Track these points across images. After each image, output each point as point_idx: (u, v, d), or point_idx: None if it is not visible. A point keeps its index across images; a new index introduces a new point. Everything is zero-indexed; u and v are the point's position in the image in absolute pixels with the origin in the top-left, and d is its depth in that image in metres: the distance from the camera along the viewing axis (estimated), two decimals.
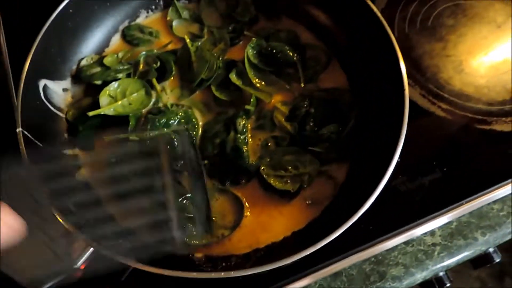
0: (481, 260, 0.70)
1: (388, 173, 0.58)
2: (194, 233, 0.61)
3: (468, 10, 0.83)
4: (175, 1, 0.77)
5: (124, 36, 0.77)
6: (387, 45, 0.65)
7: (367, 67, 0.70)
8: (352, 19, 0.71)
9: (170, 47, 0.76)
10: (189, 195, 0.63)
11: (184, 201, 0.62)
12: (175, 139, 0.64)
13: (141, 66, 0.72)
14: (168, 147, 0.63)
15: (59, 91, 0.70)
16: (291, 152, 0.66)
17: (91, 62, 0.74)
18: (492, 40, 0.80)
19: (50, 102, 0.68)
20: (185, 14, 0.78)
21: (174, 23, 0.77)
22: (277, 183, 0.64)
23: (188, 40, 0.72)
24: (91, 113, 0.66)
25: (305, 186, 0.64)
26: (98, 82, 0.71)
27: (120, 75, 0.71)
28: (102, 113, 0.67)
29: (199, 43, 0.74)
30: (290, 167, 0.65)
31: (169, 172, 0.59)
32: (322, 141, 0.66)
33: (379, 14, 0.66)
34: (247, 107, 0.68)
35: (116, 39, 0.77)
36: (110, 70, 0.72)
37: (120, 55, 0.74)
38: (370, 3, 0.67)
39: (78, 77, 0.72)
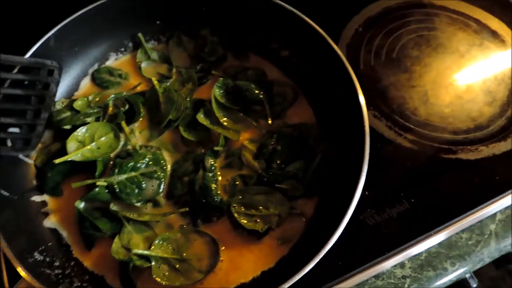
0: (458, 287, 0.70)
1: (352, 208, 0.59)
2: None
3: (431, 40, 0.85)
4: (144, 43, 0.79)
5: (93, 79, 0.78)
6: (347, 82, 0.67)
7: (331, 102, 0.71)
8: (314, 56, 0.73)
9: (139, 88, 0.77)
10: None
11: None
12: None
13: (110, 109, 0.73)
14: None
15: None
16: (262, 192, 0.67)
17: (62, 106, 0.74)
18: (455, 70, 0.82)
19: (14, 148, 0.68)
20: (154, 55, 0.79)
21: (142, 65, 0.78)
22: (246, 222, 0.65)
23: (155, 82, 0.73)
24: (57, 161, 0.67)
25: (273, 227, 0.64)
26: (68, 127, 0.72)
27: (89, 119, 0.72)
28: (70, 159, 0.68)
29: (167, 84, 0.75)
30: (261, 207, 0.65)
31: None
32: (288, 178, 0.67)
33: (338, 51, 0.68)
34: (215, 148, 0.69)
35: (86, 82, 0.78)
36: (80, 114, 0.73)
37: (90, 98, 0.75)
38: (329, 40, 0.69)
39: (48, 122, 0.73)
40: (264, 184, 0.68)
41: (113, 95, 0.74)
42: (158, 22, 0.80)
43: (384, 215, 0.68)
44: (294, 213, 0.66)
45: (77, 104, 0.74)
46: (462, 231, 0.68)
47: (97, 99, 0.75)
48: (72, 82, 0.77)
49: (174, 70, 0.78)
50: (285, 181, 0.67)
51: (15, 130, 0.68)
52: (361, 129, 0.64)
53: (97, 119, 0.72)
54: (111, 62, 0.79)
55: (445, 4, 0.89)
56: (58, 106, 0.74)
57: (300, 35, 0.73)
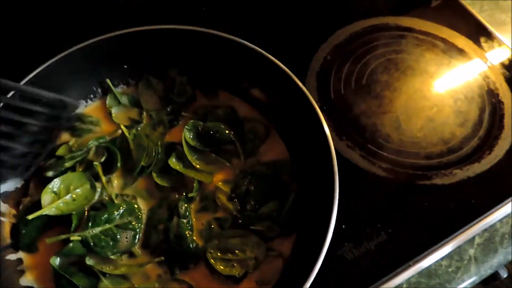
0: None
1: (327, 244, 0.59)
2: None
3: (400, 63, 0.85)
4: (113, 89, 0.78)
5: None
6: (313, 117, 0.67)
7: (301, 138, 0.71)
8: (281, 92, 0.73)
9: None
10: None
11: None
12: None
13: (91, 156, 0.73)
14: None
15: None
16: (237, 235, 0.66)
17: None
18: (425, 92, 0.82)
19: None
20: (123, 99, 0.79)
21: (113, 111, 0.78)
22: (222, 268, 0.64)
23: (124, 129, 0.73)
24: (30, 216, 0.66)
25: (250, 271, 0.64)
26: (50, 174, 0.71)
27: (70, 163, 0.71)
28: (44, 213, 0.67)
29: (138, 129, 0.75)
30: (237, 251, 0.65)
31: None
32: (263, 219, 0.67)
33: (301, 85, 0.69)
34: (190, 195, 0.69)
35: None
36: (64, 159, 0.72)
37: (70, 143, 0.75)
38: (292, 75, 0.69)
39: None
40: (240, 226, 0.67)
41: (94, 141, 0.73)
42: (125, 67, 0.79)
43: (362, 249, 0.68)
44: (271, 255, 0.65)
45: (60, 152, 0.73)
46: (442, 258, 0.69)
47: (77, 145, 0.74)
48: None
49: (144, 114, 0.77)
50: (260, 223, 0.66)
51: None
52: (329, 162, 0.64)
53: (81, 162, 0.72)
54: (81, 109, 0.79)
55: (411, 25, 0.90)
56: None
57: (266, 72, 0.73)
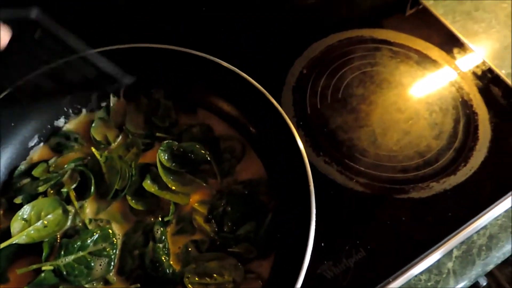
0: None
1: (306, 263, 0.58)
2: None
3: (375, 76, 0.86)
4: (112, 99, 0.78)
5: (48, 142, 0.76)
6: (287, 134, 0.66)
7: (278, 155, 0.70)
8: (256, 109, 0.72)
9: None
10: None
11: None
12: None
13: (64, 179, 0.71)
14: None
15: None
16: (215, 258, 0.65)
17: (22, 171, 0.72)
18: (401, 104, 0.83)
19: None
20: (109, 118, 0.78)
21: (94, 124, 0.77)
22: None
23: (95, 151, 0.71)
24: (1, 246, 0.64)
25: None
26: (19, 200, 0.68)
27: (43, 188, 0.69)
28: (14, 242, 0.65)
29: (109, 152, 0.73)
30: (215, 274, 0.64)
31: None
32: (240, 241, 0.66)
33: (275, 102, 0.68)
34: (166, 218, 0.67)
35: (38, 148, 0.76)
36: (39, 181, 0.70)
37: (50, 162, 0.73)
38: (266, 93, 0.69)
39: None
40: (218, 248, 0.66)
41: (71, 163, 0.72)
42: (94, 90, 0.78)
43: (342, 266, 0.67)
44: (250, 277, 0.64)
45: (37, 172, 0.71)
46: (421, 273, 0.69)
47: (54, 165, 0.73)
48: (16, 154, 0.74)
49: (121, 135, 0.76)
50: (237, 245, 0.65)
51: None
52: (305, 179, 0.64)
53: (54, 186, 0.70)
54: (65, 123, 0.78)
55: (386, 37, 0.91)
56: (17, 172, 0.72)
57: (240, 89, 0.72)
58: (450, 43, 0.90)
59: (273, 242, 0.66)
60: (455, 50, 0.89)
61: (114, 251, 0.66)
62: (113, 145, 0.76)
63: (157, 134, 0.75)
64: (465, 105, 0.82)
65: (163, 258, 0.65)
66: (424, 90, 0.85)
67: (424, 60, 0.88)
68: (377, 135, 0.79)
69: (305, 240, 0.60)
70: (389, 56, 0.88)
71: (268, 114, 0.69)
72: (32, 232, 0.66)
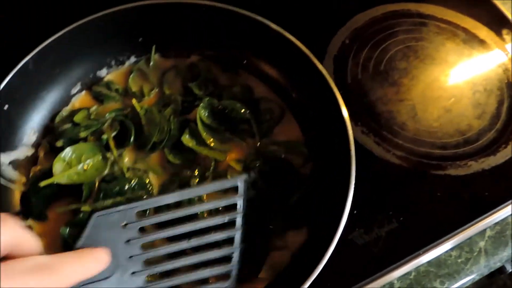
0: None
1: (341, 228, 0.58)
2: None
3: (419, 51, 0.84)
4: (153, 52, 0.78)
5: (90, 90, 0.77)
6: (331, 99, 0.65)
7: (317, 120, 0.70)
8: (299, 73, 0.72)
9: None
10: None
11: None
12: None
13: (104, 128, 0.72)
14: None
15: (8, 162, 0.69)
16: None
17: (62, 118, 0.74)
18: (444, 82, 0.81)
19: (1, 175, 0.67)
20: (149, 69, 0.78)
21: (133, 74, 0.77)
22: None
23: (135, 103, 0.72)
24: (43, 183, 0.65)
25: None
26: (60, 144, 0.70)
27: (85, 134, 0.70)
28: (55, 182, 0.66)
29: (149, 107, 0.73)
30: None
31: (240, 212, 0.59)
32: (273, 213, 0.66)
33: (321, 67, 0.67)
34: (207, 173, 0.68)
35: (80, 95, 0.77)
36: (80, 126, 0.71)
37: (91, 110, 0.74)
38: (312, 57, 0.68)
39: (36, 142, 0.72)
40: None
41: (112, 113, 0.73)
42: (140, 40, 0.78)
43: (373, 235, 0.67)
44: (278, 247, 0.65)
45: (78, 117, 0.72)
46: (452, 249, 0.68)
47: (96, 112, 0.74)
48: (59, 99, 0.75)
49: (155, 90, 0.76)
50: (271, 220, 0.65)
51: None
52: (346, 146, 0.63)
53: (93, 133, 0.71)
54: (107, 74, 0.79)
55: (433, 13, 0.88)
56: (59, 118, 0.74)
57: (284, 52, 0.71)
58: (499, 23, 0.88)
59: (305, 210, 0.66)
60: (504, 32, 0.87)
61: None
62: (147, 98, 0.76)
63: (197, 93, 0.75)
64: (511, 87, 0.80)
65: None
66: (469, 69, 0.83)
67: (471, 39, 0.86)
68: (417, 110, 0.78)
69: (341, 205, 0.59)
70: (435, 32, 0.86)
71: (311, 78, 0.69)
72: (72, 174, 0.67)
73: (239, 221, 0.59)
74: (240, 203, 0.59)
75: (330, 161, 0.67)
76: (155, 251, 0.56)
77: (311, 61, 0.68)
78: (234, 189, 0.59)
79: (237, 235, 0.59)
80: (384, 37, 0.85)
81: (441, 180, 0.72)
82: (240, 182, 0.59)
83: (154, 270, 0.56)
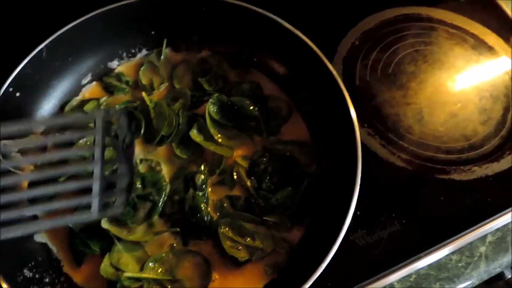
0: None
1: (344, 229, 0.59)
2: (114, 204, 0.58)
3: (428, 56, 0.84)
4: (164, 47, 0.79)
5: (101, 81, 0.78)
6: (340, 100, 0.66)
7: (325, 120, 0.71)
8: (309, 73, 0.72)
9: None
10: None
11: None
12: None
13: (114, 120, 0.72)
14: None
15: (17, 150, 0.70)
16: (251, 221, 0.66)
17: (72, 107, 0.75)
18: (451, 87, 0.81)
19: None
20: (160, 62, 0.79)
21: (143, 67, 0.78)
22: (228, 246, 0.64)
23: (145, 96, 0.72)
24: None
25: (253, 260, 0.64)
26: None
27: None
28: None
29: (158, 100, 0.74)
30: (248, 237, 0.65)
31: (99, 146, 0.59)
32: (276, 207, 0.66)
33: (331, 67, 0.68)
34: (217, 170, 0.69)
35: (91, 86, 0.77)
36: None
37: (101, 100, 0.75)
38: (323, 57, 0.69)
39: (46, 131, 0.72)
40: (253, 211, 0.67)
41: (122, 104, 0.73)
42: (152, 33, 0.79)
43: (375, 236, 0.68)
44: (281, 246, 0.66)
45: (88, 107, 0.73)
46: (452, 253, 0.69)
47: (106, 103, 0.75)
48: (69, 89, 0.76)
49: (166, 83, 0.77)
50: (273, 213, 0.66)
51: None
52: (353, 147, 0.64)
53: None
54: (117, 66, 0.79)
55: (443, 18, 0.89)
56: (68, 107, 0.74)
57: (295, 51, 0.72)
58: (509, 31, 0.88)
59: (308, 208, 0.67)
60: None
61: (160, 197, 0.67)
62: (156, 91, 0.77)
63: (207, 89, 0.75)
64: None
65: (202, 206, 0.66)
66: (477, 75, 0.83)
67: (480, 45, 0.86)
68: (424, 114, 0.78)
69: (346, 207, 0.60)
70: (444, 37, 0.86)
71: (321, 78, 0.69)
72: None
73: (97, 154, 0.59)
74: (98, 137, 0.59)
75: (336, 161, 0.67)
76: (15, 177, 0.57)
77: (321, 61, 0.69)
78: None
79: (96, 168, 0.58)
80: (394, 40, 0.85)
81: (444, 184, 0.72)
82: (98, 116, 0.60)
83: (17, 196, 0.57)
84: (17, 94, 0.69)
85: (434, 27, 0.88)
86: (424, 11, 0.90)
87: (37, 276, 0.62)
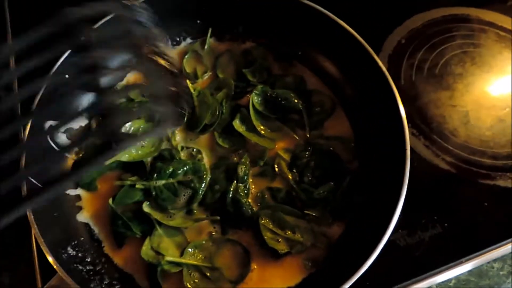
0: None
1: (390, 230, 0.58)
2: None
3: (476, 58, 0.82)
4: (209, 36, 0.79)
5: None
6: (388, 97, 0.65)
7: (370, 117, 0.70)
8: (356, 68, 0.71)
9: None
10: None
11: None
12: None
13: None
14: None
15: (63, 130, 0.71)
16: (293, 214, 0.66)
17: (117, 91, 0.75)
18: (499, 90, 0.79)
19: (56, 142, 0.69)
20: (204, 52, 0.79)
21: (187, 55, 0.78)
22: (268, 238, 0.64)
23: (190, 85, 0.73)
24: (108, 162, 0.67)
25: (292, 252, 0.64)
26: None
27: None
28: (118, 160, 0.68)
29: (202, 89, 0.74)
30: (288, 230, 0.65)
31: None
32: (318, 201, 0.66)
33: (380, 63, 0.67)
34: (261, 163, 0.69)
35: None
36: (134, 102, 0.73)
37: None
38: (371, 51, 0.68)
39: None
40: (292, 199, 0.67)
41: None
42: (198, 21, 0.79)
43: (416, 238, 0.67)
44: (321, 240, 0.65)
45: (133, 93, 0.73)
46: (494, 260, 0.67)
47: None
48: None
49: (208, 73, 0.77)
50: (315, 207, 0.66)
51: None
52: (401, 147, 0.62)
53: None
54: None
55: (493, 20, 0.86)
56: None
57: (342, 45, 0.71)
58: None
59: (349, 205, 0.66)
60: None
61: (201, 186, 0.67)
62: (200, 80, 0.77)
63: (251, 80, 0.75)
64: None
65: (243, 200, 0.66)
66: None
67: None
68: (470, 117, 0.76)
69: (391, 208, 0.59)
70: (494, 39, 0.84)
71: (368, 74, 0.68)
72: (132, 151, 0.69)
73: None
74: None
75: (381, 160, 0.66)
76: None
77: (371, 56, 0.67)
78: None
79: None
80: (441, 40, 0.84)
81: (489, 190, 0.71)
82: None
83: None
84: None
85: (483, 29, 0.85)
86: (474, 12, 0.87)
87: (79, 255, 0.63)
